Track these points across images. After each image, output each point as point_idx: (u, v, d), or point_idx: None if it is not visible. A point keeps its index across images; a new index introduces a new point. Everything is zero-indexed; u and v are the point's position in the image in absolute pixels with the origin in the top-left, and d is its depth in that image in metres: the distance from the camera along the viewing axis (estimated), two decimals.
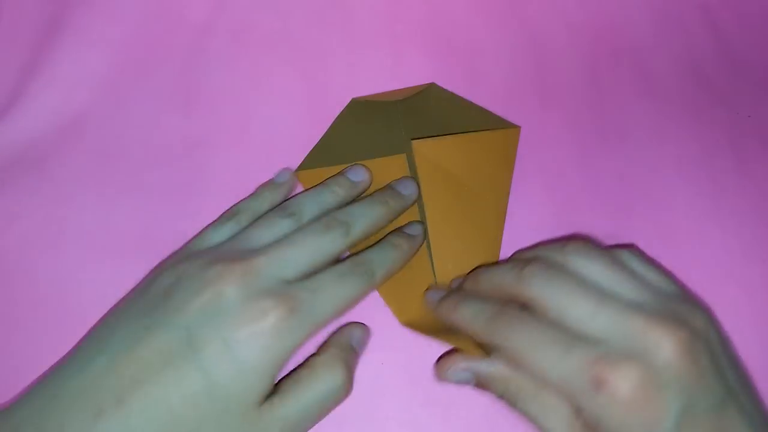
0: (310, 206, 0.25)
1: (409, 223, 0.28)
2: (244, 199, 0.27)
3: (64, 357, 0.22)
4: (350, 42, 0.34)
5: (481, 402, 0.25)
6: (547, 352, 0.21)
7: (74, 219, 0.28)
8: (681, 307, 0.22)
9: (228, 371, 0.20)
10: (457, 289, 0.26)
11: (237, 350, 0.20)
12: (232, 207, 0.27)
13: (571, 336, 0.21)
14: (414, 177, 0.29)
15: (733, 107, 0.34)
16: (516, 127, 0.31)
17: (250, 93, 0.32)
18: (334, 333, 0.25)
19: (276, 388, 0.22)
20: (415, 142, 0.29)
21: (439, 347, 0.26)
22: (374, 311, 0.27)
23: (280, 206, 0.26)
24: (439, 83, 0.33)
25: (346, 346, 0.24)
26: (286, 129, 0.31)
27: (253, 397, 0.20)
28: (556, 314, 0.22)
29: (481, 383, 0.24)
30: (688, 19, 0.36)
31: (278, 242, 0.23)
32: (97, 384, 0.20)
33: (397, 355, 0.26)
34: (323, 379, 0.22)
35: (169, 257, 0.26)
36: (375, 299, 0.27)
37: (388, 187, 0.28)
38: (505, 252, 0.28)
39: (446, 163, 0.29)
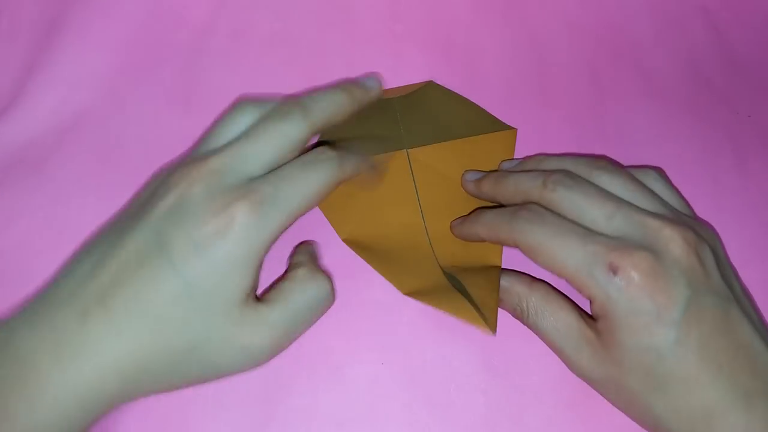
0: (316, 104, 0.24)
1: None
2: None
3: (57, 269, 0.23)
4: (350, 42, 0.34)
5: (481, 402, 0.25)
6: (565, 242, 0.22)
7: (74, 219, 0.28)
8: (692, 221, 0.24)
9: (200, 269, 0.20)
10: (477, 186, 0.28)
11: (205, 248, 0.20)
12: None
13: (588, 231, 0.22)
14: (412, 183, 0.29)
15: (733, 107, 0.34)
16: (513, 129, 0.31)
17: (250, 93, 0.32)
18: (297, 250, 0.26)
19: (262, 298, 0.22)
20: (411, 151, 0.29)
21: (440, 348, 0.26)
22: (373, 311, 0.27)
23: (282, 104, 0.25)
24: (439, 83, 0.33)
25: (315, 258, 0.25)
26: None
27: (231, 293, 0.21)
28: (574, 214, 0.23)
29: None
30: (689, 19, 0.36)
31: (237, 138, 0.23)
32: (82, 286, 0.20)
33: (397, 355, 0.26)
34: (310, 287, 0.23)
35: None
36: (374, 300, 0.27)
37: (352, 80, 0.27)
38: (507, 255, 0.28)
39: (443, 168, 0.29)
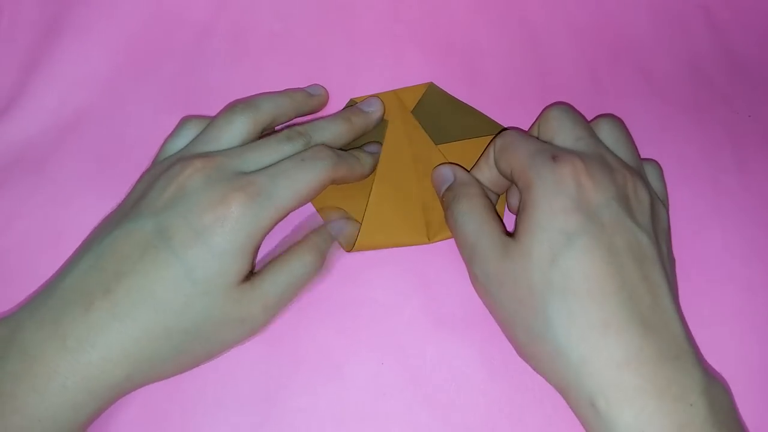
0: (267, 103, 0.26)
1: (369, 143, 0.29)
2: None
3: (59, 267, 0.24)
4: (350, 42, 0.34)
5: (481, 402, 0.25)
6: (529, 143, 0.24)
7: (74, 219, 0.28)
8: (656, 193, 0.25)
9: (201, 255, 0.21)
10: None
11: (205, 235, 0.21)
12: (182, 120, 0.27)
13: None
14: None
15: (733, 107, 0.34)
16: None
17: (250, 93, 0.32)
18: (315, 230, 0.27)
19: (257, 271, 0.23)
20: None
21: (440, 348, 0.26)
22: (373, 311, 0.27)
23: (233, 103, 0.26)
24: (439, 83, 0.33)
25: (324, 233, 0.26)
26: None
27: (231, 277, 0.22)
28: (552, 131, 0.25)
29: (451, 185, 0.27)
30: (689, 19, 0.36)
31: (241, 146, 0.24)
32: (85, 281, 0.21)
33: (397, 355, 0.26)
34: (298, 262, 0.24)
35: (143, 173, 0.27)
36: (372, 301, 0.27)
37: (354, 106, 0.29)
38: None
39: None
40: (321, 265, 0.25)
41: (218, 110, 0.31)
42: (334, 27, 0.34)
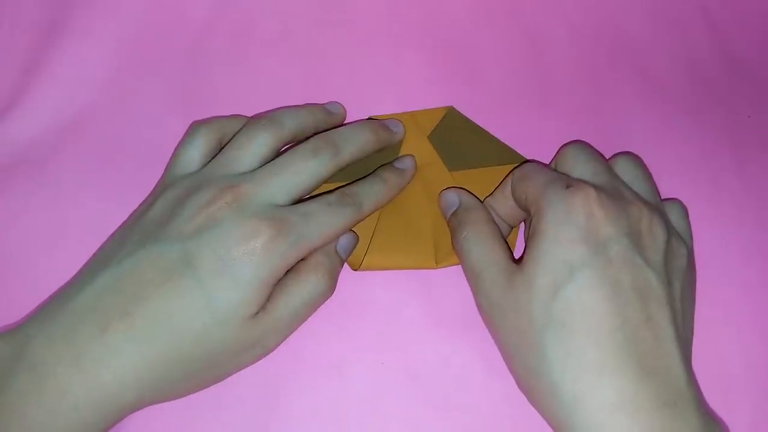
0: (289, 119, 0.26)
1: (400, 157, 0.29)
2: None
3: (70, 279, 0.24)
4: (350, 42, 0.34)
5: (481, 402, 0.25)
6: (546, 172, 0.24)
7: (74, 219, 0.28)
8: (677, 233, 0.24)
9: (224, 286, 0.21)
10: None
11: (232, 267, 0.21)
12: (192, 125, 0.27)
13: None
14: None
15: (733, 107, 0.34)
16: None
17: (250, 93, 0.32)
18: None
19: (270, 293, 0.23)
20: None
21: (440, 348, 0.26)
22: (373, 311, 0.27)
23: (255, 118, 0.26)
24: (439, 83, 0.33)
25: (330, 252, 0.25)
26: None
27: (249, 309, 0.22)
28: (569, 164, 0.25)
29: (458, 211, 0.26)
30: (688, 19, 0.36)
31: (266, 167, 0.24)
32: (103, 300, 0.21)
33: (397, 355, 0.26)
34: (308, 284, 0.24)
35: (158, 185, 0.26)
36: (372, 301, 0.27)
37: (379, 121, 0.29)
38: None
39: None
40: (332, 286, 0.25)
41: (219, 110, 0.31)
42: (333, 27, 0.34)
